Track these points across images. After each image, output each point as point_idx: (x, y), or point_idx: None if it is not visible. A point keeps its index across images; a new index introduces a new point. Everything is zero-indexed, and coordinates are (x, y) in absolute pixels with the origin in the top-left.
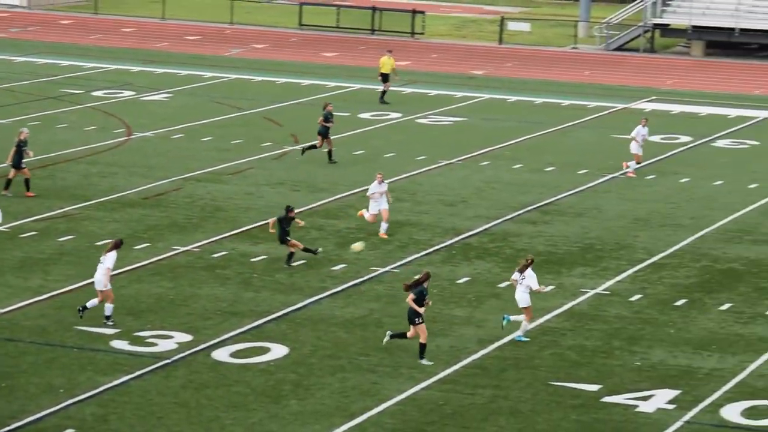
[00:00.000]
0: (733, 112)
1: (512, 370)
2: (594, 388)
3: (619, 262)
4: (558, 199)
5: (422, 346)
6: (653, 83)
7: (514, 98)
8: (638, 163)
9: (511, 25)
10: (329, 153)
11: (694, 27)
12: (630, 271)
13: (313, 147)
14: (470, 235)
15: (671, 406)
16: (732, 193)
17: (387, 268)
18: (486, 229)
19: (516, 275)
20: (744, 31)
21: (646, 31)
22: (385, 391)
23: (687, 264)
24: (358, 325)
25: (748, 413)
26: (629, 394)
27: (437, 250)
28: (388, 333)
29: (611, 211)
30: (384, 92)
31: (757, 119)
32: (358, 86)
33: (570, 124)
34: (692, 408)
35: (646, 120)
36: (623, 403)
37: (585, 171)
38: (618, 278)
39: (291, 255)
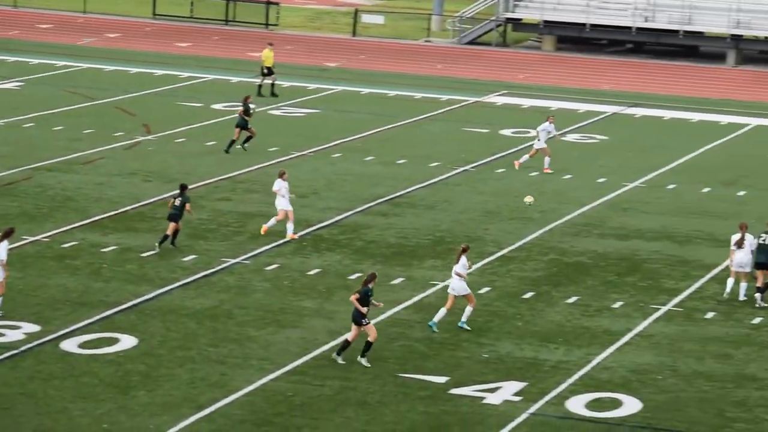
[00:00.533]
0: (582, 107)
1: None
2: (442, 379)
3: (469, 255)
4: (409, 192)
5: (368, 345)
6: (505, 77)
7: (367, 90)
8: (531, 156)
9: (365, 18)
10: (247, 138)
11: (546, 22)
12: (479, 264)
13: (233, 143)
14: (321, 227)
15: (517, 398)
16: (580, 188)
17: (238, 260)
18: (337, 221)
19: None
20: (594, 27)
21: (498, 26)
22: (234, 383)
23: (535, 257)
24: (208, 317)
25: (592, 405)
26: (476, 386)
27: (288, 241)
28: (335, 355)
29: (462, 204)
30: (260, 86)
31: (606, 114)
32: (211, 77)
33: (422, 116)
34: (538, 400)
35: (552, 117)
36: (470, 395)
37: (437, 164)
38: (467, 271)
39: (173, 236)
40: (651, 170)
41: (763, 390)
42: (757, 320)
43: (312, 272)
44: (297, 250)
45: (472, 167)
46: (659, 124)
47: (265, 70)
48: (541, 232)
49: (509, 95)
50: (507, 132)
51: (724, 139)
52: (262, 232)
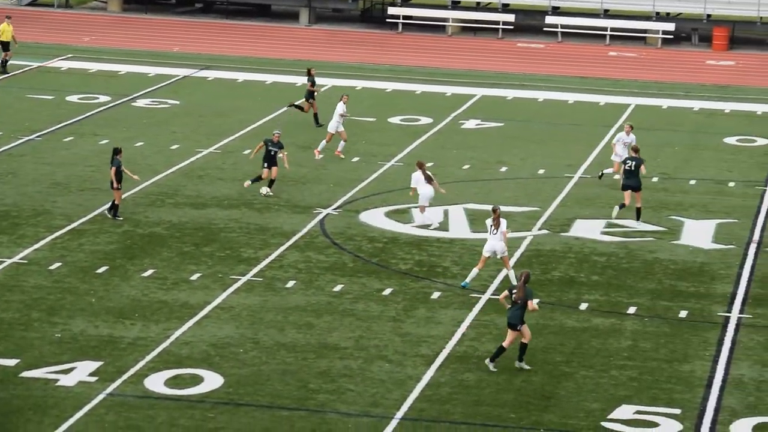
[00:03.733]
0: (152, 71)
1: None
2: (12, 362)
3: (37, 229)
4: None
5: (524, 347)
6: (69, 40)
7: None
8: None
9: None
10: (315, 116)
11: None
12: (49, 239)
13: (300, 108)
14: None
15: (93, 379)
16: (153, 155)
17: None
18: None
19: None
20: None
21: None
22: None
23: (108, 230)
24: None
25: (172, 383)
26: (49, 368)
27: None
28: (488, 362)
29: (28, 175)
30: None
31: (177, 77)
32: None
33: None
34: (115, 379)
35: (346, 96)
36: (43, 377)
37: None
38: (36, 246)
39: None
40: (225, 135)
41: (345, 359)
42: (338, 287)
43: None
44: None
45: (37, 136)
46: (233, 87)
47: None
48: None
49: (75, 59)
50: (74, 98)
51: (302, 100)
52: None
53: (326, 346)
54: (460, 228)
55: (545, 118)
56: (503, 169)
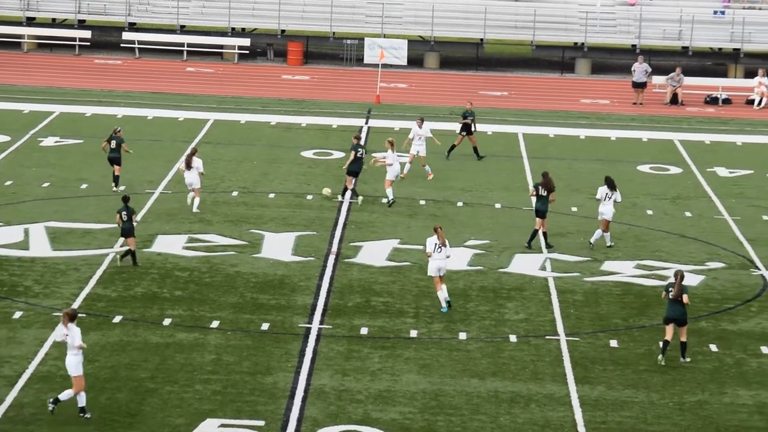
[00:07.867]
0: None
1: None
2: None
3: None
4: None
5: (685, 345)
6: None
7: None
8: None
9: None
10: (475, 149)
11: None
12: None
13: (453, 147)
14: None
15: None
16: None
17: None
18: None
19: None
20: None
21: None
22: None
23: None
24: None
25: None
26: None
27: None
28: (661, 358)
29: None
30: None
31: None
32: None
33: None
34: None
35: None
36: None
37: None
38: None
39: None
40: None
41: None
42: None
43: None
44: None
45: None
46: None
47: None
48: None
49: None
50: None
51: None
52: None
53: None
54: (41, 247)
55: (125, 134)
56: (84, 186)
